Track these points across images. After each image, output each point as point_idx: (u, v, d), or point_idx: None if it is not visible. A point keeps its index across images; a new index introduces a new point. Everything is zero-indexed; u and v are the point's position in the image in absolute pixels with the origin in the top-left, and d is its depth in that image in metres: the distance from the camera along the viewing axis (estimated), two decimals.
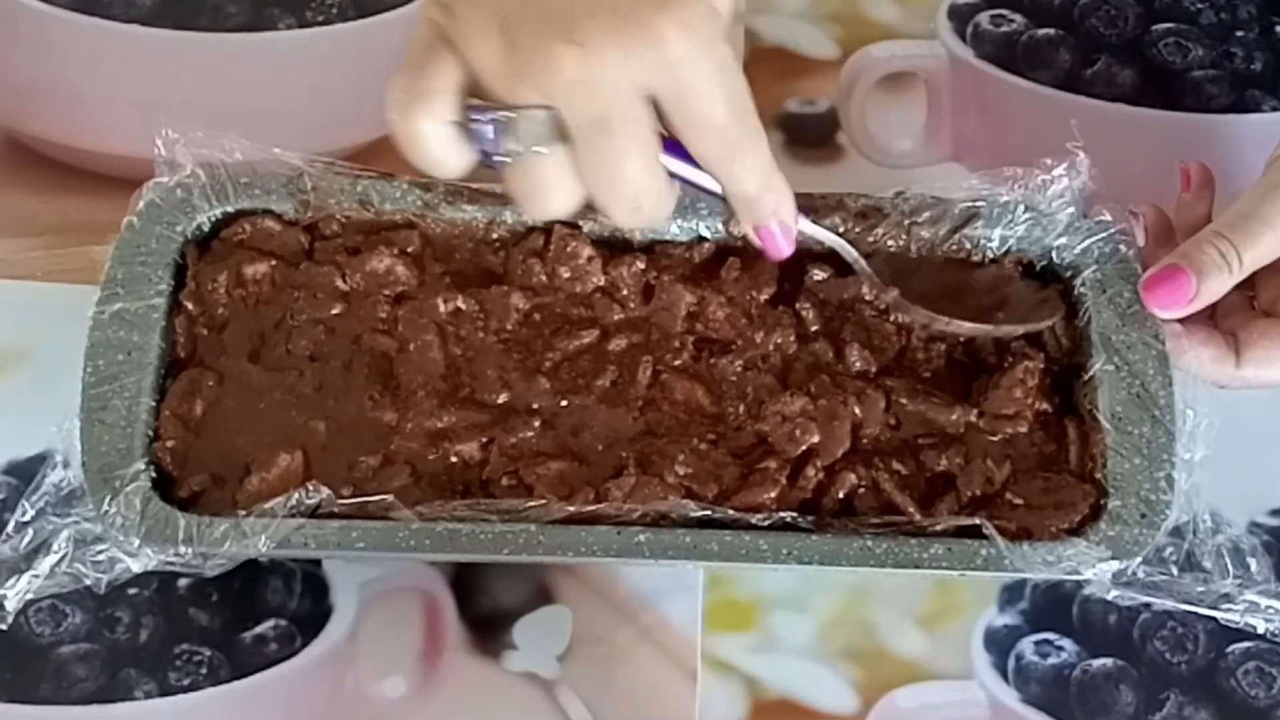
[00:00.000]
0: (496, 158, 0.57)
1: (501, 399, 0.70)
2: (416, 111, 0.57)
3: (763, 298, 0.72)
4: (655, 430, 0.69)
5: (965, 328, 0.69)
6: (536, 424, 0.69)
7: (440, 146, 0.57)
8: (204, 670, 0.69)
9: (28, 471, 0.69)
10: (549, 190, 0.58)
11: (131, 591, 0.70)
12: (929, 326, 0.70)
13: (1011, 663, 0.70)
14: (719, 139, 0.57)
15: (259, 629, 0.70)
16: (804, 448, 0.68)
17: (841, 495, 0.67)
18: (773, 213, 0.62)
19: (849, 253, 0.69)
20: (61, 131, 0.84)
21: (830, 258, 0.71)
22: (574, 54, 0.54)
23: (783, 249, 0.64)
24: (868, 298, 0.71)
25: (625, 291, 0.72)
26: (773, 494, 0.66)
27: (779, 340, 0.71)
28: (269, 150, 0.73)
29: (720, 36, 0.56)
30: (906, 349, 0.71)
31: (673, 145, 0.60)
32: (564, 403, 0.69)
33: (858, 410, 0.69)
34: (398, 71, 0.57)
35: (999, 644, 0.71)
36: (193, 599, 0.71)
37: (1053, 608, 0.71)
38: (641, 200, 0.58)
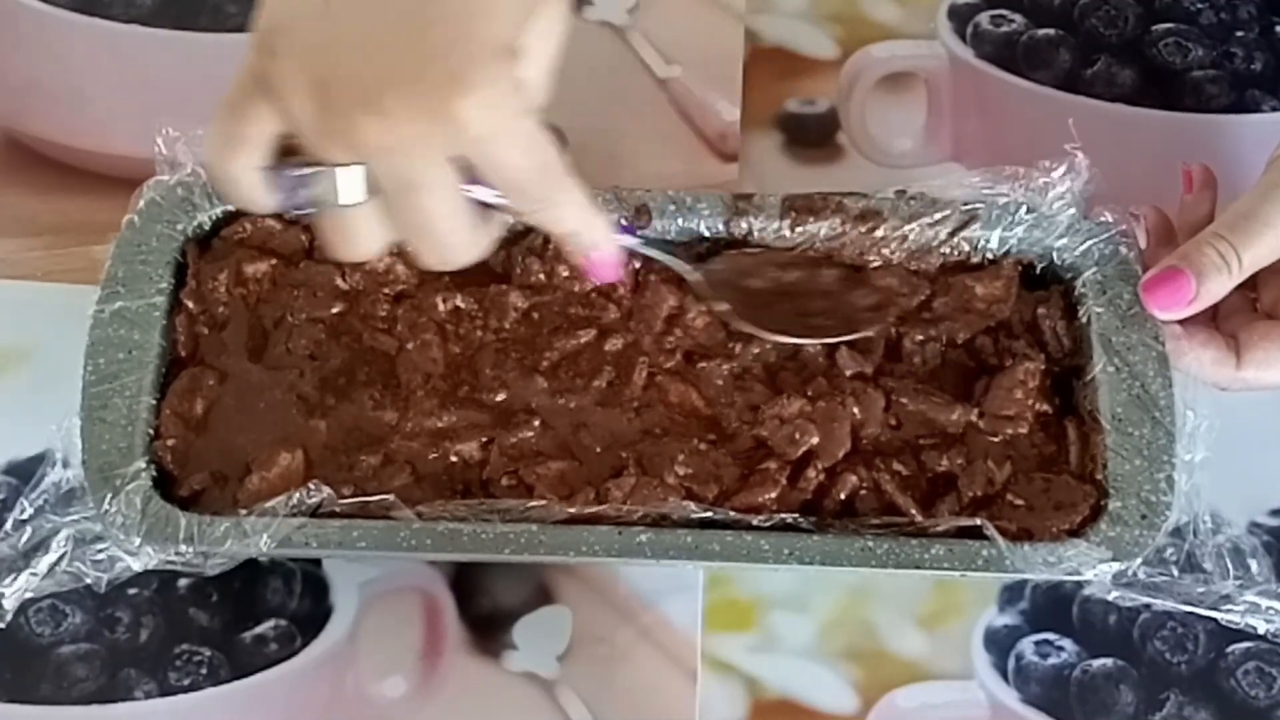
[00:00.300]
0: (305, 207, 0.59)
1: (499, 398, 0.70)
2: (229, 156, 0.58)
3: None
4: (654, 431, 0.69)
5: (786, 342, 0.71)
6: (536, 424, 0.69)
7: (252, 190, 0.59)
8: (204, 670, 0.69)
9: (28, 471, 0.69)
10: (358, 240, 0.59)
11: (131, 591, 0.70)
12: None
13: (1011, 663, 0.70)
14: (528, 197, 0.59)
15: (259, 629, 0.70)
16: (804, 449, 0.68)
17: (843, 496, 0.67)
18: (591, 248, 0.64)
19: (680, 266, 0.70)
20: (61, 131, 0.84)
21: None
22: (377, 124, 0.55)
23: (605, 277, 0.66)
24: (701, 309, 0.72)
25: (621, 291, 0.72)
26: (773, 494, 0.66)
27: (756, 350, 0.71)
28: None
29: (521, 111, 0.57)
30: (899, 348, 0.71)
31: None
32: (561, 402, 0.69)
33: (856, 411, 0.69)
34: (218, 110, 0.58)
35: (999, 644, 0.71)
36: (193, 599, 0.71)
37: (1053, 608, 0.71)
38: (449, 250, 0.60)
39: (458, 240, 0.59)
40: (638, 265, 0.72)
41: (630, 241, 0.68)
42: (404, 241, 0.59)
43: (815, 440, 0.68)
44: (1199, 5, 0.88)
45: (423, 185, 0.57)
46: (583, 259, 0.64)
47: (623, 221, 0.71)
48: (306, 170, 0.57)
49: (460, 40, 0.55)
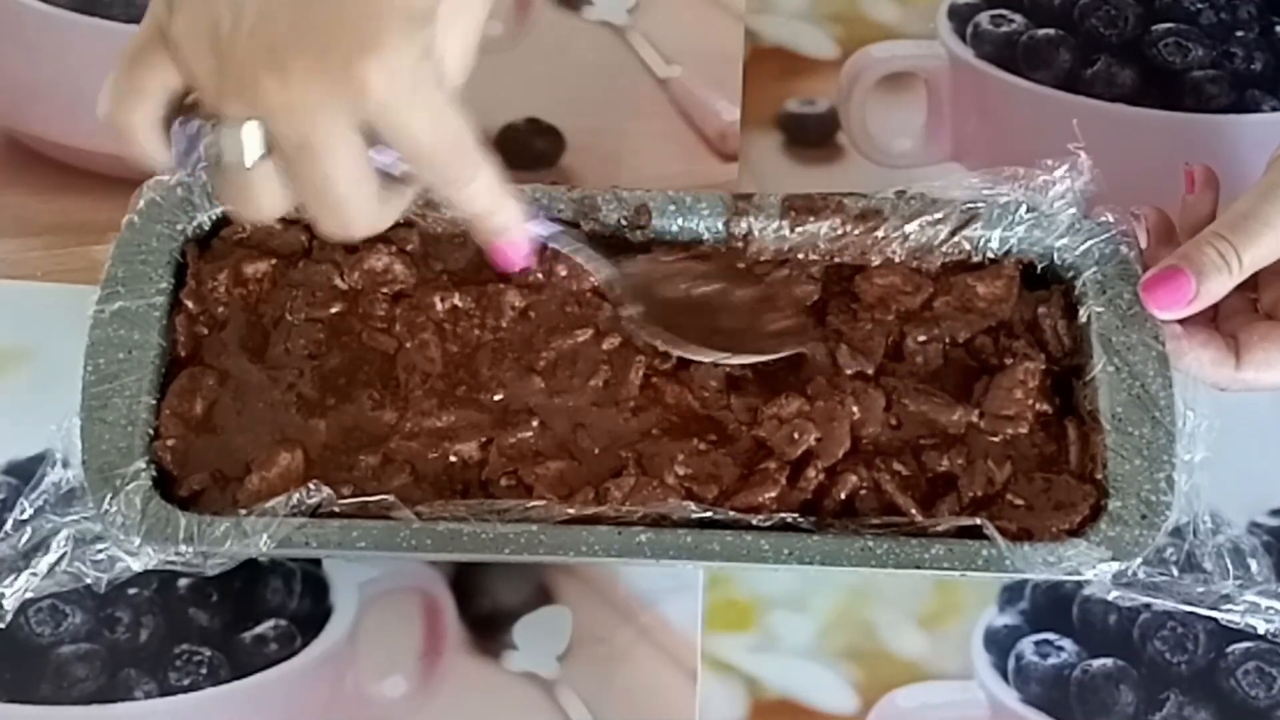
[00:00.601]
0: (201, 163, 0.57)
1: (498, 398, 0.70)
2: (125, 107, 0.57)
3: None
4: (652, 431, 0.69)
5: (696, 356, 0.70)
6: (535, 424, 0.69)
7: (149, 143, 0.57)
8: (204, 670, 0.69)
9: (27, 472, 0.69)
10: (257, 198, 0.58)
11: (131, 591, 0.70)
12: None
13: (1011, 663, 0.70)
14: (435, 170, 0.58)
15: (259, 629, 0.70)
16: (803, 449, 0.67)
17: (843, 496, 0.67)
18: (500, 231, 0.63)
19: (591, 263, 0.70)
20: (61, 132, 0.84)
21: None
22: (277, 84, 0.54)
23: (513, 263, 0.65)
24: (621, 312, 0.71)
25: (621, 290, 0.72)
26: (773, 494, 0.66)
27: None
28: None
29: (429, 79, 0.56)
30: (900, 348, 0.71)
31: None
32: (559, 402, 0.69)
33: (856, 410, 0.69)
34: (119, 59, 0.57)
35: (999, 644, 0.71)
36: (193, 599, 0.71)
37: (1053, 608, 0.71)
38: (348, 217, 0.58)
39: (357, 209, 0.58)
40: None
41: (541, 230, 0.67)
42: (302, 206, 0.58)
43: (815, 440, 0.68)
44: (1199, 5, 0.88)
45: (322, 148, 0.55)
46: (490, 242, 0.63)
47: (539, 210, 0.69)
48: (202, 127, 0.56)
49: (369, 3, 0.54)
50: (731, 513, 0.65)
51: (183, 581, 0.71)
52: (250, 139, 0.56)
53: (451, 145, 0.57)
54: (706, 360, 0.69)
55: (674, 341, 0.70)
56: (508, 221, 0.62)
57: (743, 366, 0.70)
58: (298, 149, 0.56)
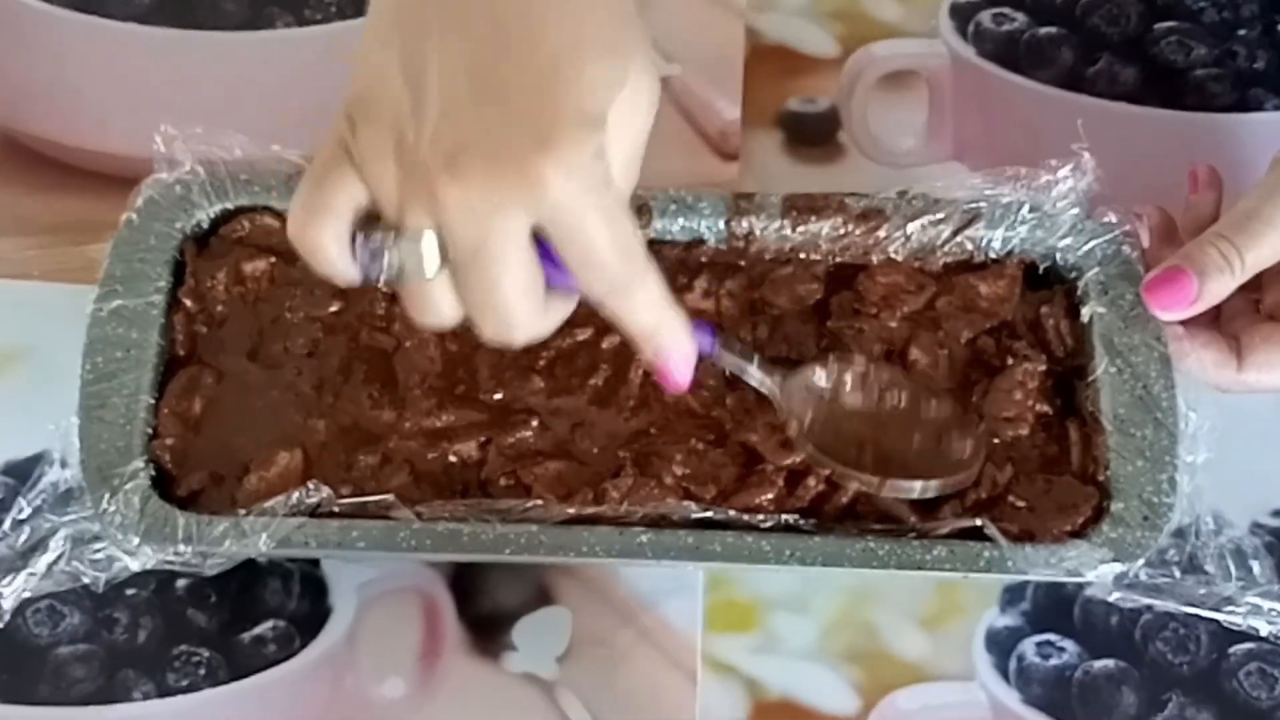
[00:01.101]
0: (384, 276, 0.58)
1: (497, 397, 0.69)
2: (314, 226, 0.58)
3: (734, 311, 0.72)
4: (650, 431, 0.69)
5: (875, 489, 0.66)
6: (534, 423, 0.69)
7: (339, 259, 0.58)
8: (202, 671, 0.69)
9: (25, 472, 0.69)
10: (435, 309, 0.58)
11: (130, 592, 0.70)
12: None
13: (1013, 664, 0.70)
14: (604, 278, 0.58)
15: (257, 630, 0.70)
16: (790, 459, 0.67)
17: (844, 501, 0.67)
18: (668, 349, 0.61)
19: (766, 386, 0.67)
20: (60, 130, 0.84)
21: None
22: (455, 186, 0.54)
23: (679, 383, 0.62)
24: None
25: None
26: (770, 495, 0.66)
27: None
28: (268, 147, 0.73)
29: (604, 179, 0.56)
30: (904, 352, 0.71)
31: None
32: (558, 402, 0.69)
33: None
34: (304, 179, 0.58)
35: (1000, 645, 0.71)
36: (191, 600, 0.70)
37: (1054, 609, 0.71)
38: (511, 325, 0.58)
39: (521, 318, 0.58)
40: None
41: (707, 348, 0.64)
42: (467, 314, 0.58)
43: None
44: (1201, 3, 0.87)
45: (494, 254, 0.55)
46: (654, 360, 0.62)
47: (700, 322, 0.65)
48: (385, 239, 0.57)
49: (546, 106, 0.55)
50: (732, 512, 0.65)
51: (181, 582, 0.70)
52: (429, 249, 0.56)
53: (622, 250, 0.57)
54: (869, 490, 0.66)
55: (848, 473, 0.66)
56: (673, 340, 0.61)
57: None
58: (472, 254, 0.56)
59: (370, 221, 0.57)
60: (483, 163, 0.54)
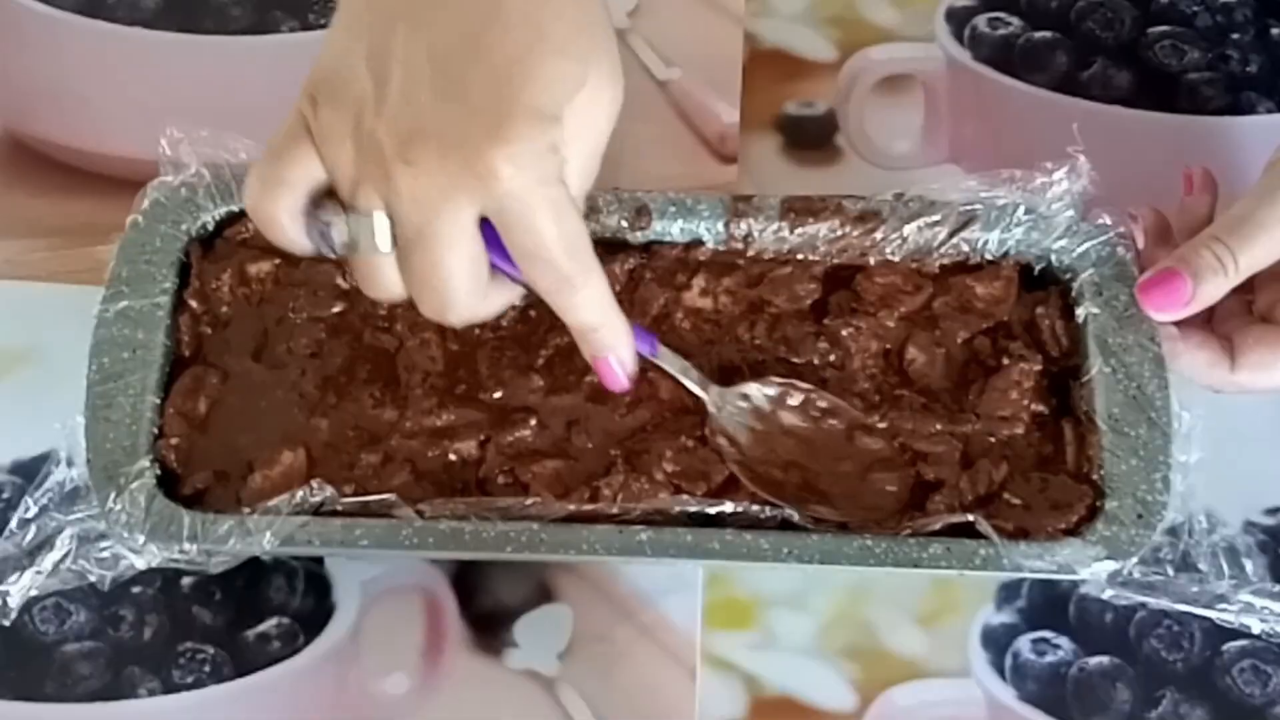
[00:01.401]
0: (334, 249, 0.60)
1: (497, 396, 0.70)
2: (269, 198, 0.60)
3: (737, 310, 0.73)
4: (645, 428, 0.69)
5: (788, 511, 0.66)
6: (533, 422, 0.69)
7: (291, 231, 0.60)
8: (207, 668, 0.69)
9: (32, 471, 0.69)
10: (384, 284, 0.61)
11: (135, 590, 0.70)
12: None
13: (1009, 661, 0.71)
14: (549, 271, 0.59)
15: (262, 627, 0.70)
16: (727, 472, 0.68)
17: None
18: (607, 348, 0.63)
19: (700, 386, 0.68)
20: (66, 134, 0.84)
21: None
22: (407, 172, 0.56)
23: (618, 382, 0.65)
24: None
25: (617, 288, 0.72)
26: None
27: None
28: None
29: (555, 174, 0.57)
30: (901, 353, 0.71)
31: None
32: (556, 400, 0.70)
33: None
34: (263, 153, 0.60)
35: (996, 642, 0.71)
36: (196, 597, 0.71)
37: (1050, 606, 0.71)
38: (448, 305, 0.60)
39: (459, 299, 0.60)
40: (639, 270, 0.73)
41: (645, 349, 0.66)
42: (409, 292, 0.60)
43: None
44: (1195, 8, 0.88)
45: (438, 237, 0.57)
46: (593, 359, 0.63)
47: (639, 325, 0.67)
48: (338, 216, 0.59)
49: (502, 100, 0.56)
50: (729, 505, 0.65)
51: (186, 580, 0.71)
52: (381, 227, 0.58)
53: (569, 245, 0.58)
54: (796, 518, 0.66)
55: (758, 494, 0.66)
56: (614, 338, 0.63)
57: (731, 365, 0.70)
58: (417, 234, 0.58)
59: (326, 197, 0.59)
60: (436, 150, 0.56)
